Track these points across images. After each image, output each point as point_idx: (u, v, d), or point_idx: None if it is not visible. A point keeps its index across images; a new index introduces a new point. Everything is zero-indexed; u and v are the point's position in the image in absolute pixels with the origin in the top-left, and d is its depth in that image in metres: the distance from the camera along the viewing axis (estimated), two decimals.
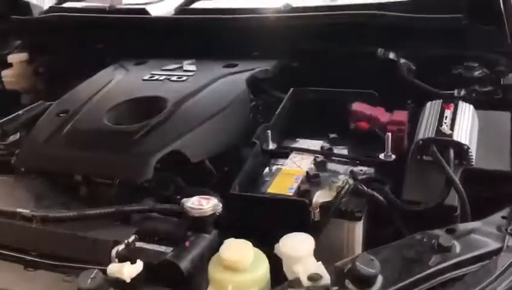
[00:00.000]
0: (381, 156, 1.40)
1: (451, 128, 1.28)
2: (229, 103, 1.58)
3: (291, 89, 1.70)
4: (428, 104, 1.42)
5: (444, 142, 1.25)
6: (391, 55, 1.89)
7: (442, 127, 1.29)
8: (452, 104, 1.37)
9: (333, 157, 1.46)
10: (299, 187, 1.29)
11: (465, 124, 1.31)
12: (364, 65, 1.91)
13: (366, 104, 1.59)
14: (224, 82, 1.72)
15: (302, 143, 1.56)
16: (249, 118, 1.66)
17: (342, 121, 1.57)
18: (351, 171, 1.28)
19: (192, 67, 1.87)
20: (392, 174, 1.37)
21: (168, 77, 1.79)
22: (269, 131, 1.49)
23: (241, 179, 1.31)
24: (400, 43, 1.87)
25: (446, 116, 1.33)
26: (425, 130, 1.29)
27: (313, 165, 1.41)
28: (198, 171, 1.49)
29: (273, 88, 1.92)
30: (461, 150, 1.24)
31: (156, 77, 1.80)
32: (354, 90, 1.65)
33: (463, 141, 1.24)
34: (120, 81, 1.83)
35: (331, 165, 1.42)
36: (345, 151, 1.50)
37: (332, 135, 1.56)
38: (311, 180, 1.34)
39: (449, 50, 1.79)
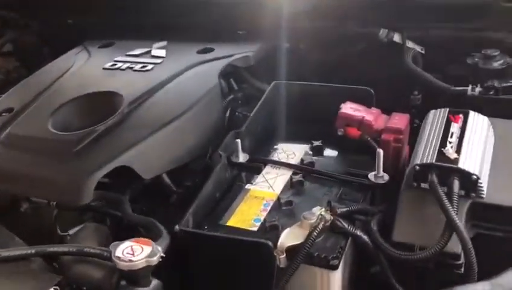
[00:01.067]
0: (371, 176, 1.15)
1: (458, 151, 1.01)
2: (194, 103, 1.32)
3: (273, 83, 1.44)
4: (432, 113, 1.15)
5: (446, 170, 0.99)
6: (396, 37, 1.60)
7: (446, 148, 1.02)
8: (461, 116, 1.10)
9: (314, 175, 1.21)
10: (265, 220, 1.06)
11: (476, 145, 1.04)
12: (363, 50, 1.63)
13: (358, 104, 1.32)
14: (194, 74, 1.46)
15: (284, 148, 1.31)
16: (222, 119, 1.41)
17: (330, 123, 1.31)
18: (329, 204, 1.03)
19: (162, 53, 1.61)
20: (385, 200, 1.13)
21: (132, 65, 1.54)
22: (239, 140, 1.24)
23: (196, 208, 1.08)
24: (406, 21, 1.57)
25: (452, 133, 1.06)
26: (425, 151, 1.03)
27: (288, 186, 1.17)
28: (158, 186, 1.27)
29: (257, 76, 1.67)
30: (469, 180, 0.98)
31: (119, 65, 1.55)
32: (346, 86, 1.38)
33: (471, 169, 0.98)
34: (77, 71, 1.58)
35: (309, 186, 1.17)
36: (330, 165, 1.25)
37: (316, 143, 1.30)
38: (283, 208, 1.10)
39: (465, 31, 1.50)
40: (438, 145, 1.03)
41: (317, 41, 1.70)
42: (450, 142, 1.03)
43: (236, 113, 1.50)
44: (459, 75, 1.46)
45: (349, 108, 1.32)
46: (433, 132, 1.07)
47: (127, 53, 1.63)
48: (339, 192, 1.14)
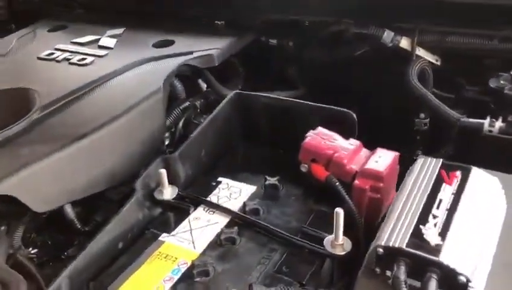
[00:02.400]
0: (327, 242, 0.83)
1: (443, 233, 0.68)
2: (123, 112, 1.03)
3: (232, 93, 1.12)
4: (418, 164, 0.81)
5: (421, 261, 0.66)
6: (404, 43, 1.25)
7: (427, 226, 0.69)
8: (458, 174, 0.76)
9: (256, 228, 0.89)
10: None
11: (475, 224, 0.70)
12: (361, 55, 1.30)
13: (335, 131, 1.00)
14: (137, 74, 1.17)
15: (230, 183, 1.00)
16: (161, 133, 1.11)
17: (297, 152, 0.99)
18: (253, 287, 0.72)
19: (111, 43, 1.32)
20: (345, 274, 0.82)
21: (70, 56, 1.26)
22: (163, 171, 0.94)
23: (78, 267, 0.80)
24: (418, 20, 1.23)
25: (440, 202, 0.72)
26: (396, 225, 0.70)
27: (215, 242, 0.87)
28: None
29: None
30: (454, 282, 0.64)
31: (56, 55, 1.28)
32: (322, 106, 1.05)
33: (460, 266, 0.64)
34: (10, 58, 1.32)
35: (244, 246, 0.86)
36: (284, 215, 0.93)
37: (270, 180, 0.99)
38: (196, 279, 0.80)
39: (493, 41, 1.14)
40: (416, 219, 0.70)
41: (308, 40, 1.38)
42: (435, 217, 0.70)
43: (194, 123, 1.21)
44: (478, 100, 1.11)
45: (318, 137, 0.99)
46: (413, 195, 0.74)
47: (73, 40, 1.35)
48: (280, 260, 0.83)
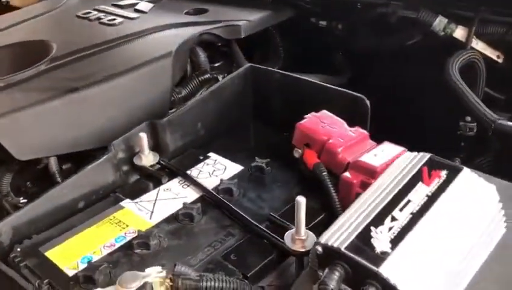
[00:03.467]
0: (288, 236, 0.71)
1: (397, 240, 0.54)
2: (124, 72, 0.99)
3: (245, 66, 1.03)
4: (403, 157, 0.66)
5: (359, 270, 0.53)
6: (458, 33, 1.08)
7: (380, 229, 0.55)
8: (442, 175, 0.60)
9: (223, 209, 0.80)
10: (92, 264, 0.70)
11: (442, 239, 0.54)
12: (407, 44, 1.14)
13: (341, 117, 0.88)
14: (157, 38, 1.13)
15: (218, 160, 0.92)
16: (162, 101, 1.05)
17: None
18: (175, 267, 0.63)
19: (147, 7, 1.29)
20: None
21: (103, 17, 1.25)
22: (144, 135, 0.88)
23: (26, 216, 0.77)
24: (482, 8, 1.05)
25: (408, 202, 0.57)
26: (345, 223, 0.57)
27: (173, 217, 0.79)
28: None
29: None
30: None
31: (91, 15, 1.28)
32: (336, 88, 0.93)
33: (402, 286, 0.50)
34: (55, 14, 1.35)
35: (202, 224, 0.78)
36: (260, 200, 0.83)
37: (259, 162, 0.89)
38: (135, 251, 0.73)
39: None
40: (370, 219, 0.56)
41: (356, 25, 1.25)
42: (394, 219, 0.56)
43: None
44: None
45: (318, 120, 0.88)
46: (379, 191, 0.60)
47: (113, 2, 1.34)
48: (232, 247, 0.73)
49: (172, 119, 0.93)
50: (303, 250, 0.69)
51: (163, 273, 0.63)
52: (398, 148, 0.78)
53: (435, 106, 1.14)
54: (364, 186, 0.75)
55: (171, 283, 0.63)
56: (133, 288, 0.61)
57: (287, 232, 0.72)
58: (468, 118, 1.07)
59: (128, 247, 0.73)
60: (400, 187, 0.59)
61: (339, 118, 0.88)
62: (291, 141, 0.89)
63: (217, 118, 1.00)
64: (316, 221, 0.77)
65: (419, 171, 0.61)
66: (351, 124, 0.87)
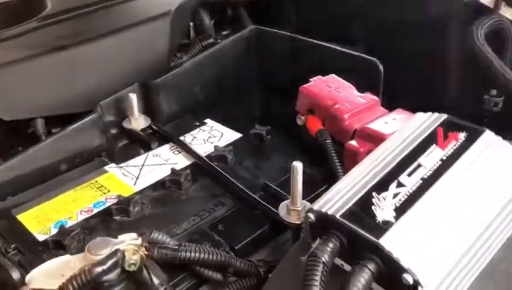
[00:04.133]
0: (283, 207, 0.63)
1: (400, 211, 0.45)
2: (120, 29, 0.92)
3: (249, 28, 0.95)
4: (417, 117, 0.57)
5: (358, 241, 0.45)
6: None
7: (382, 196, 0.47)
8: (460, 137, 0.51)
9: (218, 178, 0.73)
10: (64, 230, 0.63)
11: (456, 210, 0.46)
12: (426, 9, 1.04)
13: (351, 84, 0.79)
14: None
15: (214, 126, 0.85)
16: (158, 64, 0.96)
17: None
18: (152, 235, 0.56)
19: None
20: None
21: None
22: (133, 96, 0.81)
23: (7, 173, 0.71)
24: None
25: (418, 166, 0.49)
26: (344, 188, 0.49)
27: (159, 184, 0.72)
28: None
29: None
30: (395, 278, 0.43)
31: None
32: (348, 52, 0.84)
33: (407, 262, 0.42)
34: None
35: (191, 192, 0.71)
36: (257, 168, 0.76)
37: (258, 129, 0.81)
38: (114, 217, 0.66)
39: None
40: (373, 184, 0.48)
41: None
42: (400, 185, 0.48)
43: None
44: None
45: (324, 84, 0.79)
46: (387, 154, 0.52)
47: None
48: (221, 216, 0.66)
49: (166, 81, 0.85)
50: (299, 222, 0.62)
51: (138, 241, 0.56)
52: (410, 115, 0.70)
53: (456, 78, 1.04)
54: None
55: (146, 252, 0.56)
56: (102, 255, 0.54)
57: (282, 203, 0.64)
58: (494, 92, 0.97)
59: (107, 213, 0.66)
60: (409, 149, 0.51)
61: (347, 83, 0.80)
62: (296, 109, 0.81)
63: (216, 82, 0.92)
64: (317, 192, 0.69)
65: (434, 133, 0.52)
66: (363, 90, 0.79)
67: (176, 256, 0.55)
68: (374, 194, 0.48)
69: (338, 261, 0.48)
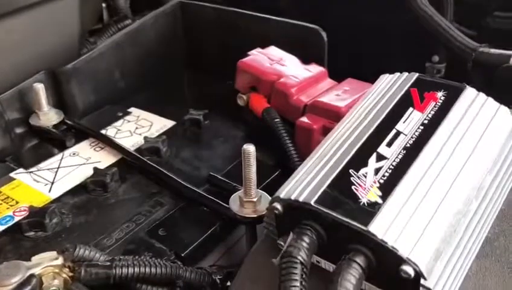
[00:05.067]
0: (234, 199, 0.54)
1: (386, 190, 0.37)
2: (12, 12, 0.76)
3: (172, 1, 0.84)
4: (382, 79, 0.49)
5: (340, 231, 0.36)
6: None
7: (361, 173, 0.39)
8: (438, 96, 0.44)
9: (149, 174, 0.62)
10: None
11: (448, 182, 0.38)
12: None
13: (296, 56, 0.71)
14: None
15: (141, 115, 0.73)
16: (66, 49, 0.82)
17: None
18: (75, 251, 0.45)
19: None
20: None
21: None
22: (40, 85, 0.68)
23: None
24: None
25: (397, 134, 0.41)
26: (312, 169, 0.40)
27: (81, 186, 0.60)
28: None
29: None
30: (393, 271, 0.35)
31: None
32: (290, 22, 0.75)
33: (405, 250, 0.34)
34: None
35: (121, 194, 0.59)
36: (193, 161, 0.65)
37: (193, 114, 0.70)
38: (26, 234, 0.53)
39: None
40: (347, 160, 0.40)
41: None
42: (381, 158, 0.39)
43: None
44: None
45: (264, 57, 0.70)
46: (355, 124, 0.43)
47: None
48: (163, 218, 0.55)
49: (78, 67, 0.72)
50: (255, 215, 0.52)
51: (59, 261, 0.44)
52: (367, 85, 0.62)
53: (398, 47, 0.99)
54: (327, 132, 0.59)
55: (70, 273, 0.44)
56: (12, 285, 0.42)
57: (232, 195, 0.54)
58: (436, 58, 0.93)
59: (16, 230, 0.53)
60: (383, 116, 0.43)
61: (289, 54, 0.71)
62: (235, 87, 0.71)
63: (139, 66, 0.80)
64: (269, 179, 0.60)
65: (407, 95, 0.45)
66: (307, 62, 0.71)
67: (109, 274, 0.43)
68: (351, 171, 0.39)
69: (315, 259, 0.40)
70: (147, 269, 0.45)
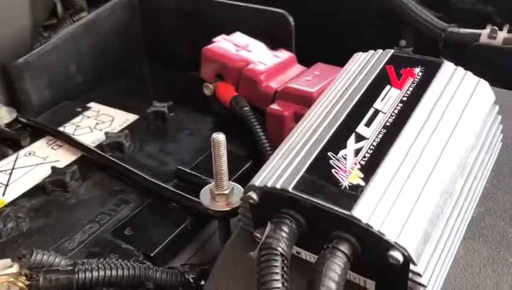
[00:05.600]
0: (205, 193, 0.50)
1: (368, 171, 0.35)
2: None
3: None
4: (354, 58, 0.47)
5: (322, 218, 0.33)
6: None
7: (340, 155, 0.36)
8: (416, 72, 0.42)
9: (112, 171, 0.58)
10: None
11: (432, 160, 0.36)
12: None
13: (257, 40, 0.68)
14: None
15: (101, 110, 0.69)
16: (18, 42, 0.78)
17: None
18: (32, 257, 0.41)
19: None
20: None
21: None
22: None
23: None
24: None
25: (376, 113, 0.39)
26: (288, 154, 0.38)
27: (40, 187, 0.55)
28: None
29: None
30: (381, 259, 0.32)
31: None
32: (255, 7, 0.72)
33: (392, 235, 0.32)
34: None
35: (82, 193, 0.55)
36: (159, 155, 0.62)
37: (157, 106, 0.67)
38: None
39: None
40: (325, 142, 0.37)
41: None
42: (360, 139, 0.37)
43: None
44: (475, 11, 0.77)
45: (230, 44, 0.67)
46: (331, 104, 0.41)
47: None
48: (129, 216, 0.51)
49: (30, 61, 0.68)
50: (228, 208, 0.49)
51: (14, 269, 0.40)
52: (337, 69, 0.60)
53: (366, 31, 0.97)
54: (299, 119, 0.56)
55: (27, 282, 0.40)
56: None
57: (203, 189, 0.51)
58: (403, 42, 0.91)
59: None
60: (359, 95, 0.40)
61: (256, 40, 0.68)
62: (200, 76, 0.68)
63: (97, 58, 0.76)
64: (241, 171, 0.57)
65: (383, 72, 0.42)
66: (273, 47, 0.68)
67: (71, 280, 0.40)
68: (329, 154, 0.36)
69: (295, 250, 0.37)
70: (114, 272, 0.41)
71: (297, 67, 0.65)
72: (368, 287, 0.35)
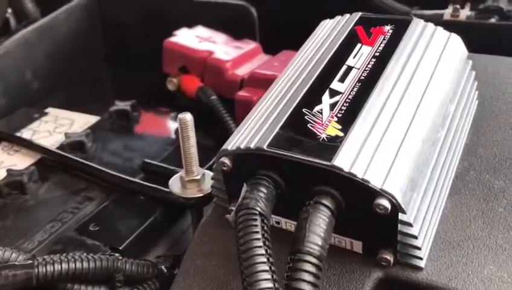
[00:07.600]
0: (175, 181, 0.47)
1: (346, 123, 0.33)
2: None
3: None
4: (323, 24, 0.45)
5: (299, 173, 0.31)
6: None
7: (316, 110, 0.34)
8: (386, 30, 0.41)
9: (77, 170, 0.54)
10: None
11: (408, 111, 0.34)
12: None
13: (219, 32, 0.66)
14: None
15: (59, 114, 0.65)
16: None
17: None
18: None
19: None
20: None
21: None
22: None
23: None
24: None
25: (349, 69, 0.37)
26: (262, 114, 0.36)
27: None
28: None
29: None
30: (366, 207, 0.30)
31: None
32: (217, 1, 0.71)
33: (377, 181, 0.29)
34: None
35: (45, 193, 0.51)
36: (123, 152, 0.58)
37: (120, 105, 0.64)
38: None
39: None
40: (299, 99, 0.35)
41: None
42: (334, 94, 0.35)
43: None
44: None
45: (192, 36, 0.65)
46: (302, 66, 0.39)
47: None
48: (94, 212, 0.48)
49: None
50: (200, 195, 0.46)
51: None
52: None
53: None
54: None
55: None
56: None
57: (172, 177, 0.48)
58: None
59: None
60: (331, 54, 0.39)
61: (218, 32, 0.66)
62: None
63: (54, 63, 0.73)
64: (212, 162, 0.54)
65: (353, 33, 0.41)
66: (237, 38, 0.67)
67: (30, 274, 0.36)
68: (304, 110, 0.34)
69: (274, 219, 0.34)
70: (78, 265, 0.38)
71: (263, 56, 0.64)
72: (355, 250, 0.33)
